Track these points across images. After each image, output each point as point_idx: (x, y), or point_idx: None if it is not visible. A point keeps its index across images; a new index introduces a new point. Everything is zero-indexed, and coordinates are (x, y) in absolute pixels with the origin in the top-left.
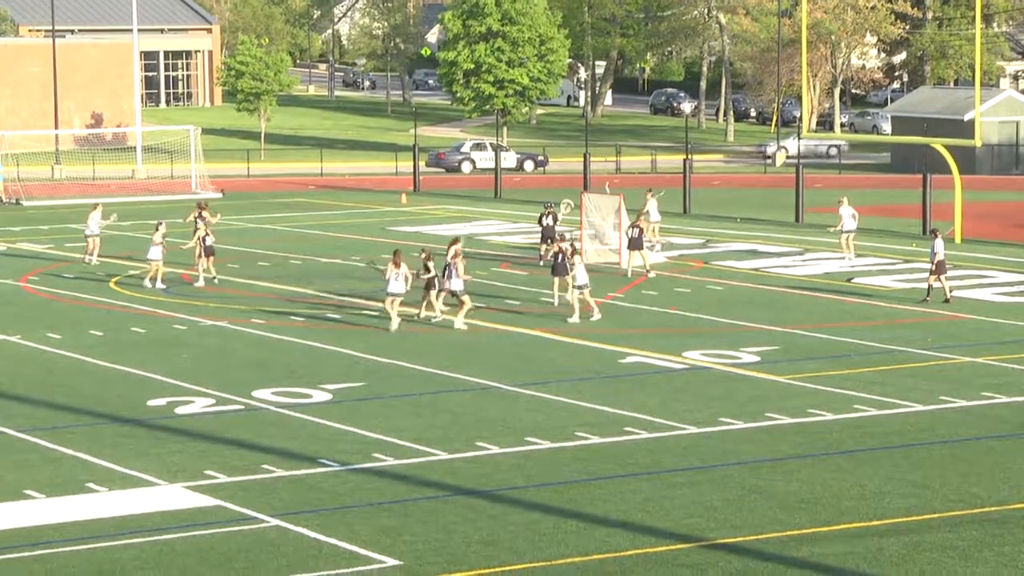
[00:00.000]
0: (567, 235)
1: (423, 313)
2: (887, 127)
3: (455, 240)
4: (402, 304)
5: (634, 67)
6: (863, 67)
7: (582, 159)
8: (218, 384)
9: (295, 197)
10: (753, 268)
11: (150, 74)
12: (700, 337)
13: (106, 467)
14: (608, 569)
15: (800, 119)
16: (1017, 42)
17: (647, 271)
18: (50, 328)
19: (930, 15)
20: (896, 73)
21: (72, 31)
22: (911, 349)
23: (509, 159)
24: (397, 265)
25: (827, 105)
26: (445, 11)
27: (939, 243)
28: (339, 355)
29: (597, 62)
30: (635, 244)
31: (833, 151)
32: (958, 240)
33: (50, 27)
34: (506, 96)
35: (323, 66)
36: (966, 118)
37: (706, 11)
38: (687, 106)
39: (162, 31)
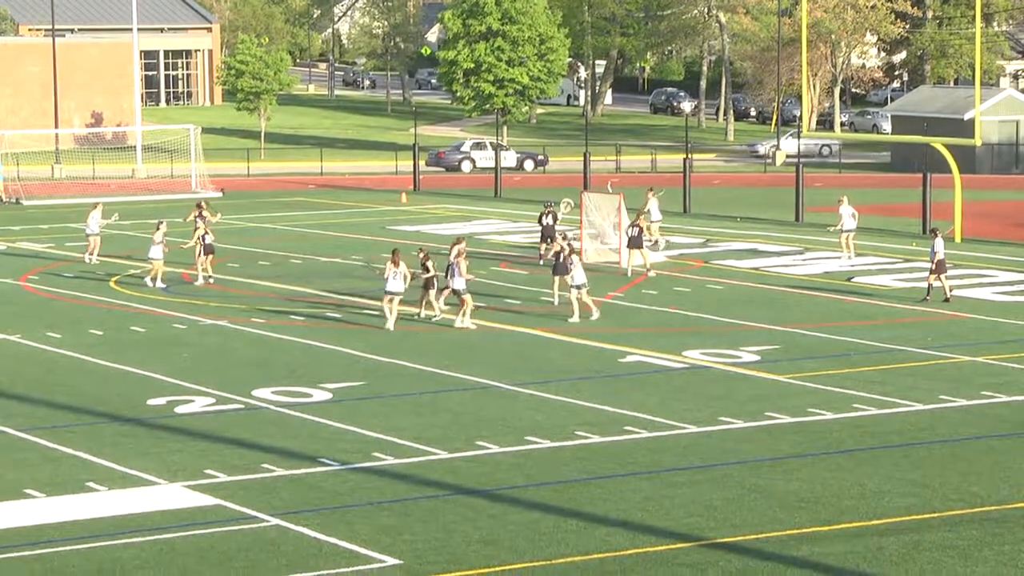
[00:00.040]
0: (568, 234)
1: (423, 313)
2: (887, 126)
3: (458, 240)
4: (401, 303)
5: (634, 66)
6: (863, 66)
7: (582, 158)
8: (218, 383)
9: (295, 196)
10: (753, 267)
11: (150, 73)
12: (700, 336)
13: (106, 466)
14: (608, 568)
15: (800, 118)
16: (1017, 41)
17: (647, 270)
18: (50, 327)
19: (930, 14)
20: (896, 72)
21: (72, 30)
22: (911, 348)
23: (509, 158)
24: (396, 264)
25: (827, 104)
26: (445, 10)
27: (939, 242)
28: (339, 354)
29: (597, 61)
30: (635, 243)
31: (826, 150)
32: (958, 239)
33: (50, 26)
34: (506, 95)
35: (323, 65)
36: (966, 117)
37: (706, 10)
38: (687, 105)
39: (162, 30)
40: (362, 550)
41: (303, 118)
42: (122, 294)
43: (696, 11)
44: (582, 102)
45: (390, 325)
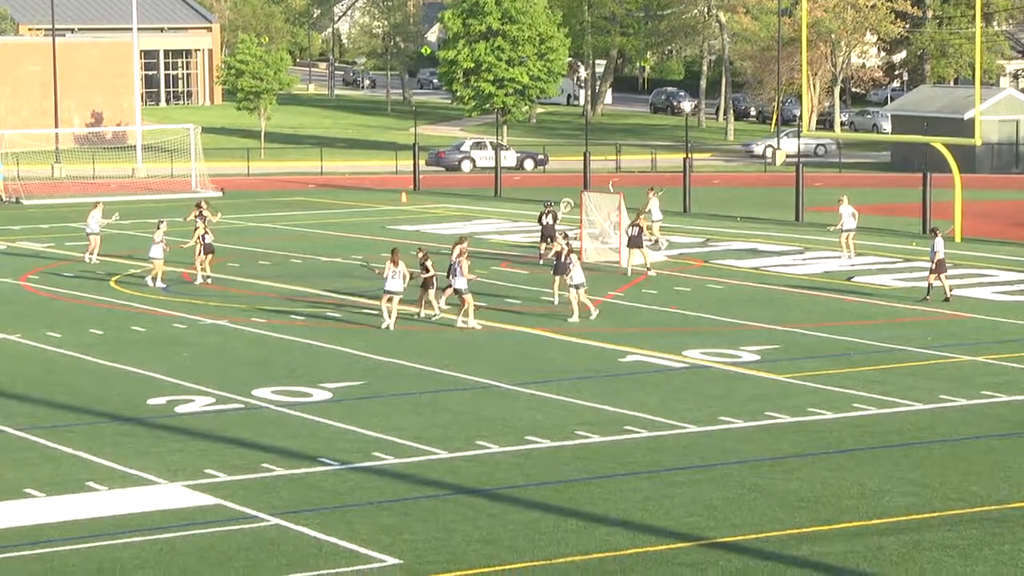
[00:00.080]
0: (568, 234)
1: (423, 312)
2: (887, 126)
3: (461, 239)
4: (401, 303)
5: (634, 66)
6: (863, 66)
7: (582, 158)
8: (218, 383)
9: (295, 196)
10: (753, 267)
11: (150, 73)
12: (700, 336)
13: (106, 466)
14: (608, 568)
15: (800, 118)
16: (1017, 41)
17: (647, 269)
18: (50, 327)
19: (930, 14)
20: (896, 72)
21: (72, 30)
22: (911, 348)
23: (509, 158)
24: (395, 263)
25: (827, 104)
26: (445, 10)
27: (939, 242)
28: (339, 354)
29: (597, 61)
30: (635, 242)
31: (821, 150)
32: (958, 239)
33: (50, 26)
34: (506, 95)
35: (323, 65)
36: (966, 117)
37: (706, 10)
38: (687, 105)
39: (162, 30)
40: (362, 550)
41: (303, 118)
42: (122, 294)
43: (696, 11)
44: (582, 102)
45: (390, 324)
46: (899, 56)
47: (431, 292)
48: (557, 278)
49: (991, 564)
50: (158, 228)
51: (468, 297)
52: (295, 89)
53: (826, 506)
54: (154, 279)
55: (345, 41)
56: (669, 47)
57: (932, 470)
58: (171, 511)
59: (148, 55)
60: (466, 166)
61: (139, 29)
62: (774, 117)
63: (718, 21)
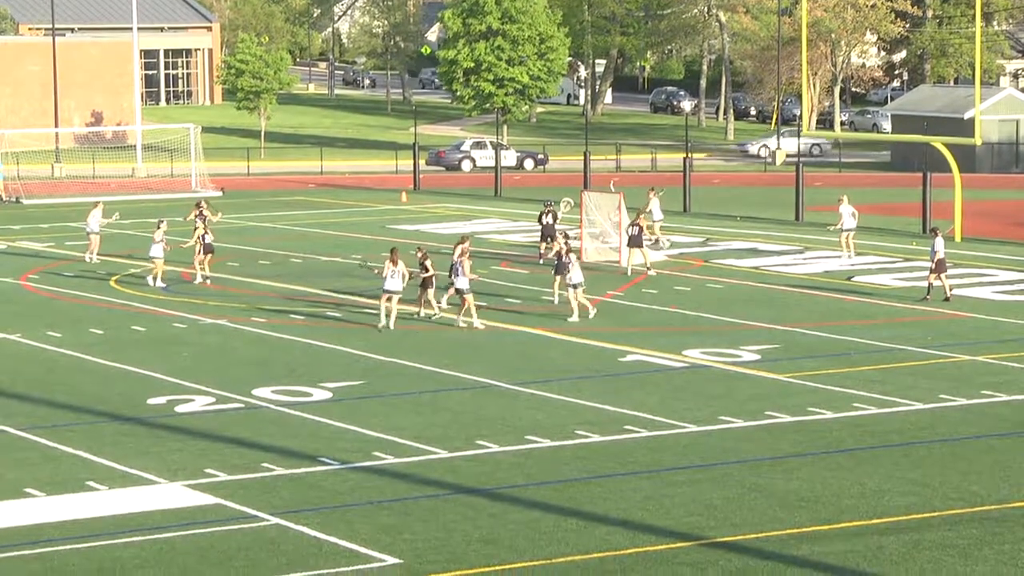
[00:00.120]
0: (568, 233)
1: (423, 312)
2: (887, 125)
3: (463, 239)
4: (401, 302)
5: (634, 65)
6: (863, 65)
7: (582, 157)
8: (218, 382)
9: (295, 195)
10: (753, 266)
11: (150, 72)
12: (700, 335)
13: (106, 465)
14: (608, 567)
15: (800, 117)
16: (1017, 40)
17: (647, 269)
18: (50, 326)
19: (930, 13)
20: (896, 71)
21: (72, 29)
22: (911, 347)
23: (509, 157)
24: (394, 263)
25: (827, 103)
26: (445, 9)
27: (939, 241)
28: (339, 353)
29: (597, 60)
30: (635, 242)
31: (816, 150)
32: (958, 238)
33: (50, 25)
34: (506, 94)
35: (323, 64)
36: (966, 116)
37: (706, 9)
38: (687, 104)
39: (162, 29)
40: (362, 549)
41: (303, 117)
42: (122, 293)
43: (696, 10)
44: (582, 101)
45: (390, 324)
46: (899, 56)
47: (430, 291)
48: (558, 278)
49: (991, 564)
50: (158, 228)
51: (469, 297)
52: (295, 89)
53: (826, 506)
54: (155, 279)
55: (345, 41)
56: (669, 47)
57: (932, 470)
58: (171, 511)
59: (148, 55)
60: (466, 166)
61: (139, 29)
62: (774, 117)
63: (718, 21)
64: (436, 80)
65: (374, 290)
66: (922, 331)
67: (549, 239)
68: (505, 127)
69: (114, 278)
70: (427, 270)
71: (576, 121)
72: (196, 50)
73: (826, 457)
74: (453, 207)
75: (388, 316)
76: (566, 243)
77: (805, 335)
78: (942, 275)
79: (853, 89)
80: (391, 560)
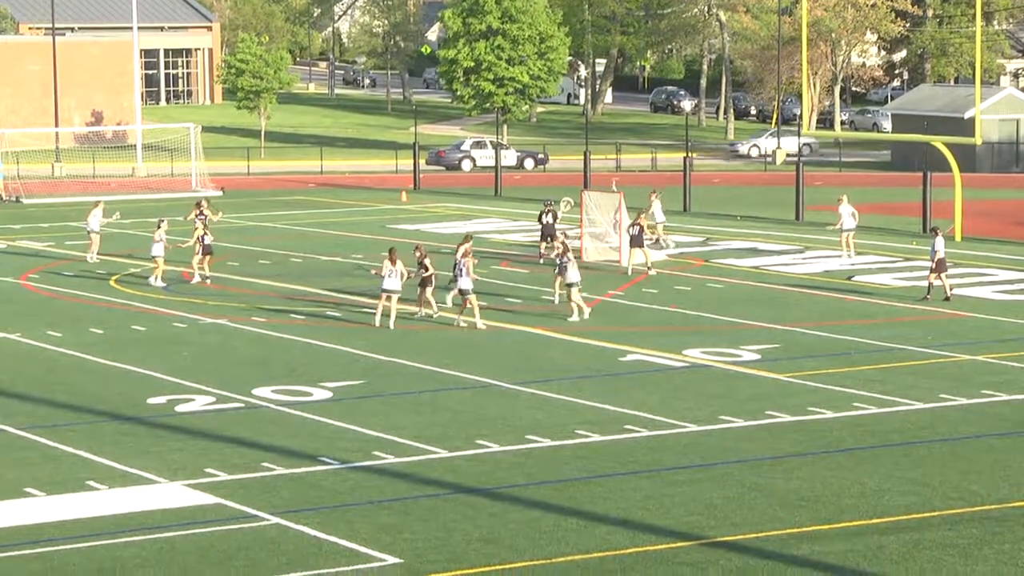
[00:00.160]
0: (568, 233)
1: (422, 311)
2: (887, 125)
3: (466, 238)
4: (400, 302)
5: (634, 65)
6: (863, 65)
7: (582, 157)
8: (218, 382)
9: (295, 195)
10: (753, 266)
11: (150, 72)
12: (700, 335)
13: (106, 465)
14: (608, 567)
15: (800, 117)
16: (1017, 40)
17: (648, 268)
18: (50, 326)
19: (930, 13)
20: (896, 71)
21: (72, 29)
22: (911, 347)
23: (509, 157)
24: (393, 263)
25: (827, 103)
26: (445, 9)
27: (939, 241)
28: (339, 353)
29: (597, 60)
30: (636, 242)
31: (807, 150)
32: (958, 238)
33: (50, 25)
34: (506, 94)
35: (323, 64)
36: (966, 116)
37: (706, 9)
38: (687, 104)
39: (162, 29)
40: (362, 549)
41: (303, 117)
42: (122, 293)
43: (696, 10)
44: (582, 101)
45: (390, 323)
46: (899, 55)
47: (429, 290)
48: (559, 278)
49: (991, 563)
50: (159, 227)
51: (472, 298)
52: (295, 88)
53: (826, 505)
54: (156, 278)
55: (345, 40)
56: (669, 46)
57: (932, 469)
58: (171, 510)
59: (148, 54)
60: (466, 165)
61: (139, 28)
62: (774, 116)
63: (718, 20)
64: (440, 80)
65: (374, 290)
66: (922, 331)
67: (549, 239)
68: (505, 127)
69: (114, 278)
70: (426, 269)
71: (576, 121)
72: (196, 50)
73: (826, 457)
74: (453, 207)
75: (387, 316)
76: (563, 243)
77: (805, 335)
78: (942, 275)
79: (853, 88)
80: (391, 560)
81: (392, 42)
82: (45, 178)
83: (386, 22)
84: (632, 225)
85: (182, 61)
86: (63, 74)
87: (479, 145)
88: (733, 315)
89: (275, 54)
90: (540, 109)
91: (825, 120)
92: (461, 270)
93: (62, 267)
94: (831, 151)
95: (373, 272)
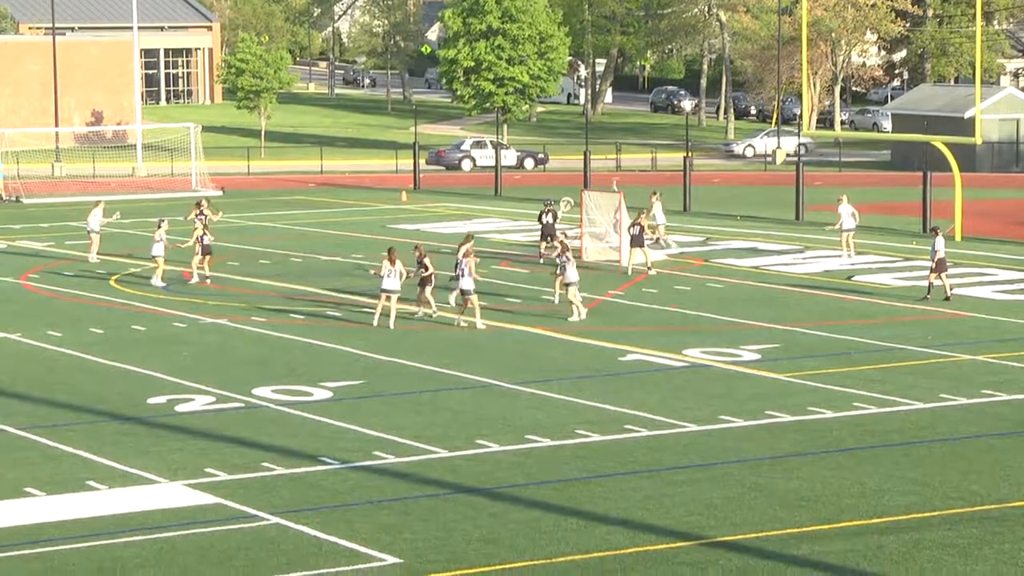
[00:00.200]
0: (568, 233)
1: (422, 311)
2: (887, 125)
3: (467, 238)
4: (400, 301)
5: (634, 65)
6: (863, 65)
7: (582, 157)
8: (218, 382)
9: (295, 195)
10: (753, 266)
11: (150, 72)
12: (700, 335)
13: (106, 465)
14: (608, 567)
15: (800, 117)
16: (1017, 40)
17: (648, 268)
18: (50, 326)
19: (930, 12)
20: (896, 71)
21: (72, 29)
22: (911, 347)
23: (509, 157)
24: (392, 262)
25: (827, 103)
26: (445, 9)
27: (939, 241)
28: (339, 353)
29: (597, 60)
30: (636, 241)
31: (801, 149)
32: (958, 238)
33: (50, 25)
34: (506, 94)
35: (323, 64)
36: (966, 116)
37: (706, 9)
38: (687, 104)
39: (162, 29)
40: (362, 549)
41: (303, 116)
42: (122, 292)
43: (696, 9)
44: (582, 100)
45: (390, 323)
46: (899, 55)
47: (428, 289)
48: (558, 277)
49: (991, 563)
50: (159, 227)
51: (474, 298)
52: (295, 88)
53: (826, 505)
54: (157, 279)
55: (345, 40)
56: (669, 46)
57: (932, 469)
58: (171, 510)
59: (148, 54)
60: (466, 165)
61: (139, 28)
62: (774, 116)
63: (718, 20)
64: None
65: (374, 290)
66: (922, 330)
67: (549, 238)
68: (505, 126)
69: (114, 277)
70: (426, 268)
71: (576, 120)
72: (196, 49)
73: (826, 456)
74: (453, 206)
75: (387, 316)
76: (561, 242)
77: (805, 334)
78: (942, 274)
79: (853, 88)
80: (391, 559)
81: (392, 42)
82: (45, 178)
83: (386, 22)
84: (633, 225)
85: (182, 61)
86: (63, 74)
87: (479, 145)
88: (733, 315)
89: (275, 54)
90: (540, 109)
91: (825, 120)
92: (463, 270)
93: (62, 267)
94: (831, 151)
95: (372, 272)
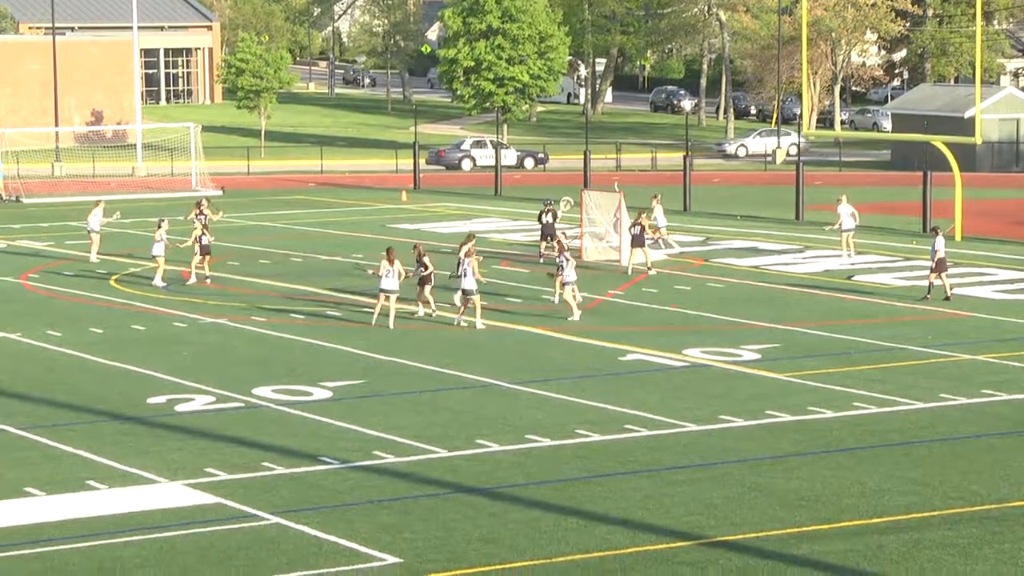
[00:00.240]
0: (567, 232)
1: (422, 311)
2: (887, 125)
3: (468, 237)
4: (399, 301)
5: (634, 64)
6: (863, 64)
7: (582, 156)
8: (218, 382)
9: (295, 194)
10: (753, 265)
11: (150, 71)
12: (700, 335)
13: (106, 465)
14: (608, 567)
15: (800, 116)
16: (1017, 39)
17: (648, 268)
18: (50, 325)
19: (930, 12)
20: (896, 70)
21: (72, 28)
22: (911, 347)
23: (509, 156)
24: (391, 262)
25: (827, 102)
26: (445, 8)
27: (939, 241)
28: (339, 353)
29: (597, 59)
30: (637, 241)
31: (793, 149)
32: (958, 238)
33: (50, 24)
34: (506, 93)
35: (323, 63)
36: (966, 115)
37: (706, 8)
38: (687, 104)
39: (162, 28)
40: (362, 548)
41: (303, 116)
42: (122, 292)
43: (696, 9)
44: (582, 100)
45: (390, 323)
46: (899, 55)
47: (427, 288)
48: (557, 277)
49: (991, 563)
50: (159, 227)
51: (476, 299)
52: (295, 88)
53: (826, 505)
54: (158, 279)
55: (345, 40)
56: (669, 46)
57: (932, 469)
58: (171, 510)
59: (148, 54)
60: (466, 165)
61: (139, 28)
62: (774, 116)
63: (718, 20)
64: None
65: (374, 289)
66: (922, 330)
67: (549, 238)
68: (505, 126)
69: (114, 277)
70: (425, 267)
71: (576, 120)
72: (196, 49)
73: (826, 456)
74: (453, 206)
75: (386, 315)
76: (559, 241)
77: (805, 334)
78: (942, 274)
79: (853, 88)
80: (391, 559)
81: (392, 41)
82: (45, 178)
83: (386, 21)
84: (634, 225)
85: (182, 61)
86: (63, 74)
87: (479, 144)
88: (733, 315)
89: (275, 53)
90: (540, 109)
91: (825, 120)
92: (465, 270)
93: (62, 267)
94: (831, 151)
95: (370, 272)
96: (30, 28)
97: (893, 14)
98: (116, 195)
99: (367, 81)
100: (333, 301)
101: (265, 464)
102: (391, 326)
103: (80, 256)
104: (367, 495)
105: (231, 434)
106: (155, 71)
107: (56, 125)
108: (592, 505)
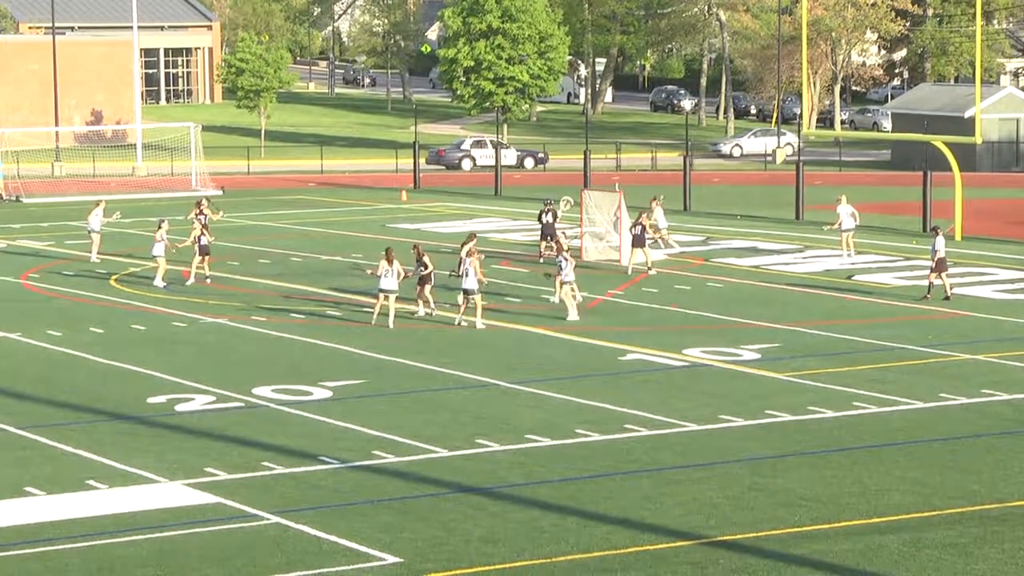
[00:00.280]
0: (567, 232)
1: (422, 310)
2: (887, 124)
3: (470, 237)
4: (399, 301)
5: (634, 64)
6: (863, 64)
7: (582, 156)
8: (218, 381)
9: (295, 194)
10: (753, 265)
11: (150, 71)
12: (700, 334)
13: (106, 464)
14: (608, 566)
15: (800, 116)
16: (1017, 39)
17: (648, 268)
18: (50, 325)
19: (930, 12)
20: (896, 70)
21: (72, 28)
22: (911, 346)
23: (509, 156)
24: (390, 262)
25: (827, 102)
26: (445, 8)
27: (939, 240)
28: (339, 352)
29: (597, 59)
30: (637, 241)
31: (789, 149)
32: (958, 237)
33: (50, 24)
34: (506, 93)
35: (323, 63)
36: (966, 115)
37: (706, 8)
38: (687, 103)
39: (162, 28)
40: (362, 548)
41: (303, 116)
42: (122, 292)
43: (696, 9)
44: (582, 100)
45: (389, 323)
46: (899, 54)
47: (427, 288)
48: (557, 276)
49: (991, 562)
50: (160, 227)
51: (477, 299)
52: (295, 87)
53: (826, 505)
54: (159, 279)
55: (345, 39)
56: (669, 45)
57: (932, 468)
58: (171, 509)
59: (148, 53)
60: (466, 164)
61: (139, 27)
62: (774, 116)
63: (718, 19)
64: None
65: (374, 289)
66: (922, 330)
67: (549, 238)
68: (505, 126)
69: (114, 277)
70: (425, 266)
71: (576, 120)
72: (196, 49)
73: (826, 456)
74: (453, 206)
75: (385, 315)
76: (557, 241)
77: (805, 334)
78: (942, 274)
79: (853, 88)
80: (391, 559)
81: (392, 41)
82: (45, 177)
83: (386, 21)
84: (635, 224)
85: (182, 60)
86: (63, 73)
87: (479, 144)
88: (733, 314)
89: (275, 53)
90: (540, 108)
91: (825, 119)
92: (467, 269)
93: (62, 267)
94: (831, 151)
95: (369, 272)
96: (30, 28)
97: (893, 14)
98: (116, 195)
99: (367, 81)
100: (333, 301)
101: (265, 464)
102: (391, 326)
103: (80, 256)
104: (367, 495)
105: (231, 434)
106: (155, 71)
107: (56, 125)
108: (592, 505)
